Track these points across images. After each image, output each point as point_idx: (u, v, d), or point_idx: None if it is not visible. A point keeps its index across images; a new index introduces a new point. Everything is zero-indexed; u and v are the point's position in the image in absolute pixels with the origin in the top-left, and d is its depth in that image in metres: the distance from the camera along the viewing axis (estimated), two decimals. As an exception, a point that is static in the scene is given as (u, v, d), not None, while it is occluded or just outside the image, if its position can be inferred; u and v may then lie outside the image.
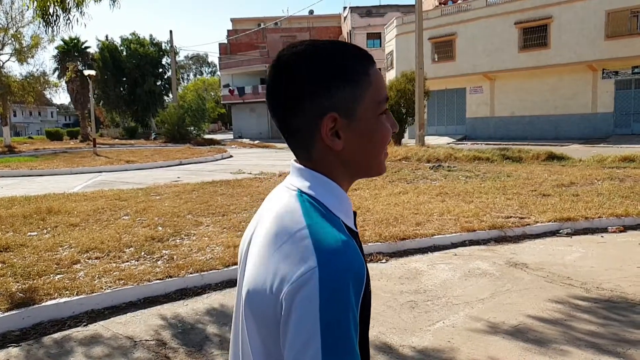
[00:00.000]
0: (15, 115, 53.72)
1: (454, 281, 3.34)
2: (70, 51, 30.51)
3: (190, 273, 3.36)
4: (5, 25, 19.10)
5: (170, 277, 3.29)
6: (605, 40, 16.60)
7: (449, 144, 17.23)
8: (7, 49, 20.02)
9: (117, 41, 31.00)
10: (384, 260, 3.86)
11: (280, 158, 14.49)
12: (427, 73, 16.30)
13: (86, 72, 17.96)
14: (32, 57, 20.58)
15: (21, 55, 19.93)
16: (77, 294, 2.95)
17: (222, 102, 35.57)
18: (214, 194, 6.87)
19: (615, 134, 16.86)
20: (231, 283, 3.39)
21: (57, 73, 30.79)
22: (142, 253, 3.83)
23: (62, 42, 30.27)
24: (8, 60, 22.26)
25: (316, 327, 0.44)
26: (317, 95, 0.52)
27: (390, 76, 21.67)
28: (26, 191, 7.51)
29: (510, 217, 4.91)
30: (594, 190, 6.27)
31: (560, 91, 18.15)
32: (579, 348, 2.34)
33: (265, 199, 0.62)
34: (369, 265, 3.49)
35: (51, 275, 3.31)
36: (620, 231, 4.54)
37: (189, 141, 22.05)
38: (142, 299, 3.08)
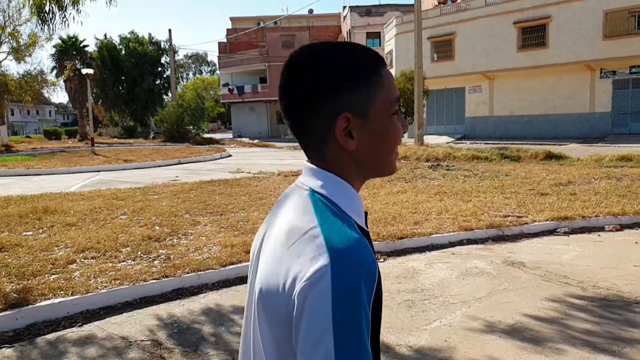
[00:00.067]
0: (12, 114, 53.53)
1: (451, 280, 3.33)
2: (69, 50, 30.42)
3: (187, 273, 3.34)
4: (3, 24, 19.03)
5: (167, 276, 3.27)
6: (603, 40, 16.62)
7: (448, 143, 17.25)
8: (5, 48, 19.96)
9: (116, 40, 30.94)
10: (381, 260, 3.85)
11: (280, 157, 14.47)
12: (427, 72, 16.31)
13: (84, 71, 17.90)
14: (30, 55, 20.53)
15: (18, 53, 19.86)
16: (72, 294, 2.94)
17: (221, 101, 35.56)
18: (212, 193, 6.85)
19: (612, 134, 16.90)
20: (228, 283, 3.37)
21: (55, 72, 30.71)
22: (139, 253, 3.81)
23: (60, 41, 30.18)
24: (5, 58, 22.21)
25: (329, 324, 0.44)
26: (331, 95, 0.53)
27: (389, 75, 21.64)
28: (22, 190, 7.47)
29: (508, 216, 4.91)
30: (592, 189, 6.28)
31: (559, 91, 18.18)
32: (575, 347, 2.34)
33: (277, 197, 0.63)
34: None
35: (46, 275, 3.29)
36: (617, 230, 4.55)
37: (187, 140, 22.00)
38: (137, 299, 3.07)
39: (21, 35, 19.85)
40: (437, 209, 5.25)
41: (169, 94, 31.07)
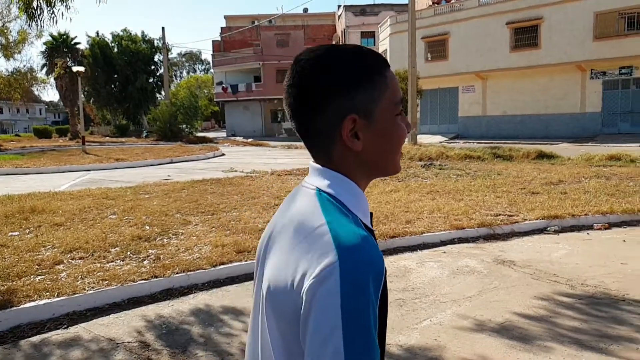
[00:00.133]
0: (2, 112, 52.62)
1: (442, 279, 3.34)
2: (59, 47, 29.88)
3: (177, 273, 3.31)
4: (-9, 20, 18.64)
5: (156, 277, 3.23)
6: (593, 41, 16.85)
7: (441, 142, 17.34)
8: (-7, 45, 19.55)
9: (108, 38, 30.53)
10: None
11: (274, 156, 14.42)
12: (420, 72, 16.36)
13: (75, 69, 17.65)
14: (19, 52, 20.10)
15: (7, 50, 19.47)
16: (57, 296, 2.88)
17: (215, 99, 35.27)
18: (204, 192, 6.80)
19: (602, 133, 17.15)
20: (218, 283, 3.34)
21: (45, 69, 30.18)
22: (128, 253, 3.76)
23: (50, 38, 29.64)
24: (-6, 56, 21.73)
25: (337, 321, 0.44)
26: (337, 97, 0.54)
27: (383, 75, 21.69)
28: (10, 190, 7.33)
29: (499, 215, 4.94)
30: (581, 188, 6.36)
31: (551, 91, 18.39)
32: (563, 344, 2.35)
33: (284, 198, 0.63)
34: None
35: (32, 276, 3.23)
36: (605, 228, 4.61)
37: (180, 139, 21.84)
38: (126, 299, 3.02)
39: (10, 32, 19.47)
40: (429, 207, 5.27)
41: (162, 92, 30.78)
